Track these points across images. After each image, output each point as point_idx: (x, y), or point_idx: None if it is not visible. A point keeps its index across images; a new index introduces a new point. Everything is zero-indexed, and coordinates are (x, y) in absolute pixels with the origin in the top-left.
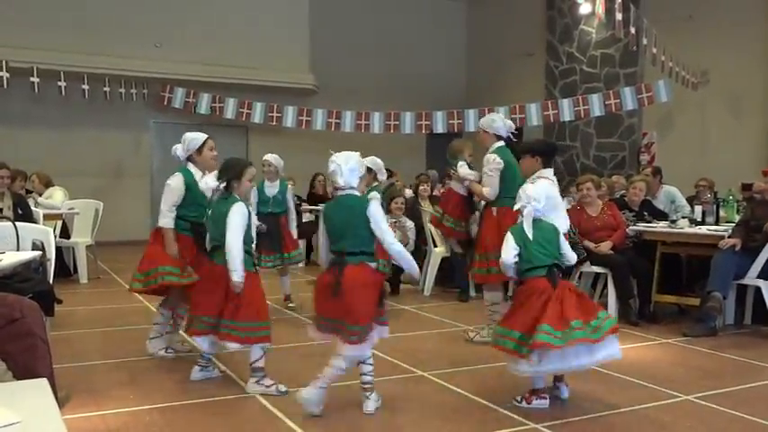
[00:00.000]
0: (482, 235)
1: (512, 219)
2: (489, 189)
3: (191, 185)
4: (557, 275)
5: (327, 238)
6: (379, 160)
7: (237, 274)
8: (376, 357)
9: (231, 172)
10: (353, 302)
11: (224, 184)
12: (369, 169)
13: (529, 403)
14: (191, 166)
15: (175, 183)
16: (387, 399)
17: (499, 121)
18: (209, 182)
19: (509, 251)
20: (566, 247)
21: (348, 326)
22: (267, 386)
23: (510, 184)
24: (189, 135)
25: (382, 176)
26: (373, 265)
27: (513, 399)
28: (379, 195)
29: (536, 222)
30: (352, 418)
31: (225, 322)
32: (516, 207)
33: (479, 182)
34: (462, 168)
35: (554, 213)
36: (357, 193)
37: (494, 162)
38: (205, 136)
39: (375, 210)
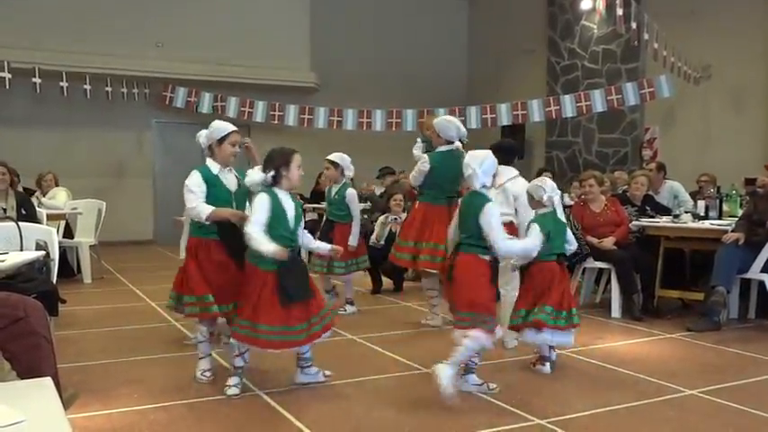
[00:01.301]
0: (434, 226)
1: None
2: (411, 178)
3: (211, 181)
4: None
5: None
6: (346, 157)
7: (269, 251)
8: (379, 354)
9: (278, 160)
10: (462, 289)
11: (272, 174)
12: (336, 165)
13: (534, 366)
14: (209, 162)
15: (193, 180)
16: (390, 395)
17: (453, 129)
18: (254, 177)
19: (537, 241)
20: (570, 235)
21: (458, 312)
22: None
23: (449, 185)
24: (216, 123)
25: (349, 172)
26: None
27: (530, 363)
28: (354, 192)
29: (554, 214)
30: (357, 416)
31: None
32: (545, 198)
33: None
34: (414, 147)
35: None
36: (486, 191)
37: (422, 163)
38: (232, 128)
39: (489, 209)
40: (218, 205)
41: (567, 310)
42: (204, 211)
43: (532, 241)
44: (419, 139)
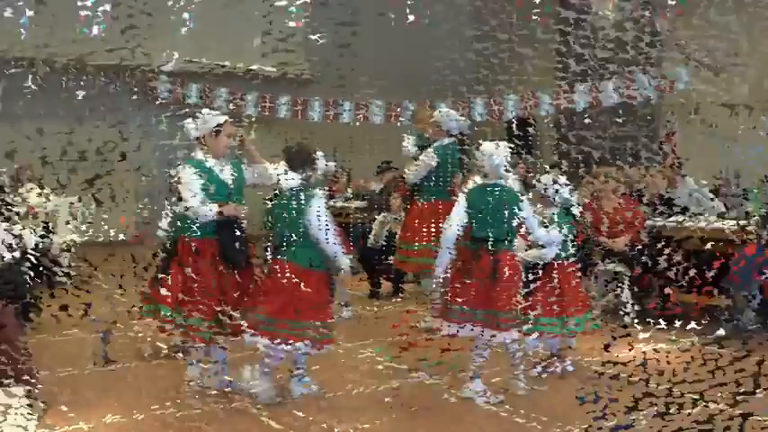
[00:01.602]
0: (429, 224)
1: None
2: (411, 174)
3: (205, 174)
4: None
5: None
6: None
7: (347, 264)
8: (376, 360)
9: (306, 161)
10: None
11: (307, 175)
12: None
13: (558, 367)
14: (200, 154)
15: (188, 175)
16: (388, 403)
17: (453, 121)
18: (290, 182)
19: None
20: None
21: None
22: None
23: (449, 178)
24: (207, 112)
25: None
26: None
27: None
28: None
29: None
30: (353, 425)
31: (283, 322)
32: (556, 198)
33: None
34: (405, 142)
35: None
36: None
37: (429, 157)
38: (224, 117)
39: (527, 202)
40: (215, 200)
41: (583, 312)
42: (208, 209)
43: (556, 233)
44: (409, 135)
